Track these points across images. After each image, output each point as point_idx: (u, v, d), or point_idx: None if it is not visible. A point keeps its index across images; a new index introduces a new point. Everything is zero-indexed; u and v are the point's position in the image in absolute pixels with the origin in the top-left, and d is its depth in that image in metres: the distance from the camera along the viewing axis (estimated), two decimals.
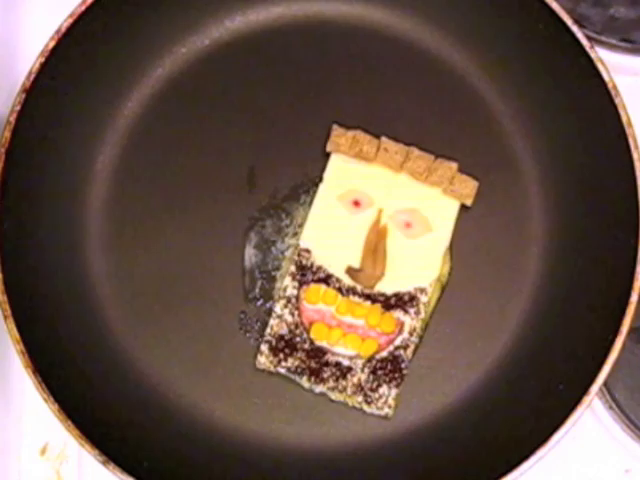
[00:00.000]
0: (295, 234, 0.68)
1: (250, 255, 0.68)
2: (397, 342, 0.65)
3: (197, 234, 0.68)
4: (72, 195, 0.68)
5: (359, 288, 0.66)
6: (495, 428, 0.64)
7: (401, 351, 0.65)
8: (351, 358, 0.65)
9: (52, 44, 0.63)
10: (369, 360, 0.65)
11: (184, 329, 0.67)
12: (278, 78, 0.70)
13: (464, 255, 0.68)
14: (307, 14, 0.71)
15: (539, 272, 0.67)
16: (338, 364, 0.65)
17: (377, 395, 0.65)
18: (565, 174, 0.67)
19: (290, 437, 0.66)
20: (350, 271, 0.66)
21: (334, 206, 0.67)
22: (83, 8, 0.64)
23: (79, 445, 0.60)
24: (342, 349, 0.65)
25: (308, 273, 0.66)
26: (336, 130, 0.68)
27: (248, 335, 0.67)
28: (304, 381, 0.65)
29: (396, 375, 0.65)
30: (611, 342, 0.60)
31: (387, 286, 0.66)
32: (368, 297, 0.66)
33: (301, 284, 0.66)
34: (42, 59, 0.63)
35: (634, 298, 0.61)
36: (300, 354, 0.65)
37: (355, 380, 0.65)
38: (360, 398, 0.65)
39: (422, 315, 0.66)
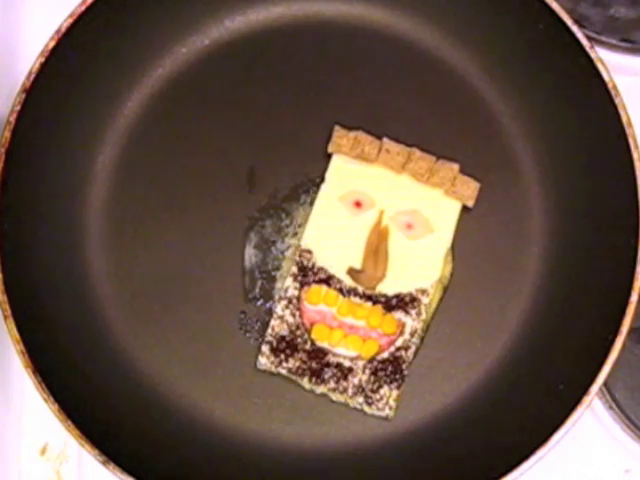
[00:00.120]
0: (295, 234, 0.68)
1: (250, 255, 0.68)
2: (398, 343, 0.65)
3: (197, 234, 0.68)
4: (72, 195, 0.68)
5: (360, 289, 0.66)
6: (495, 428, 0.64)
7: (402, 352, 0.65)
8: (352, 359, 0.65)
9: (52, 44, 0.63)
10: (370, 361, 0.65)
11: (184, 329, 0.67)
12: (278, 78, 0.70)
13: (464, 255, 0.68)
14: (307, 14, 0.71)
15: (539, 272, 0.67)
16: (339, 365, 0.65)
17: (378, 396, 0.65)
18: (565, 174, 0.67)
19: (290, 437, 0.66)
20: (351, 272, 0.66)
21: (335, 207, 0.67)
22: (83, 8, 0.64)
23: (79, 445, 0.60)
24: (343, 350, 0.65)
25: (309, 274, 0.66)
26: (338, 131, 0.68)
27: (248, 335, 0.67)
28: (305, 382, 0.65)
29: (397, 376, 0.65)
30: (611, 342, 0.60)
31: (388, 287, 0.66)
32: (369, 298, 0.66)
33: (302, 285, 0.66)
34: (42, 59, 0.63)
35: (634, 298, 0.61)
36: (301, 355, 0.65)
37: (356, 381, 0.65)
38: (361, 399, 0.65)
39: (423, 316, 0.66)
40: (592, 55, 0.63)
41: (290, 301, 0.66)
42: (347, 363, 0.65)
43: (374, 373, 0.65)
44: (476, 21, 0.68)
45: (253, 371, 0.66)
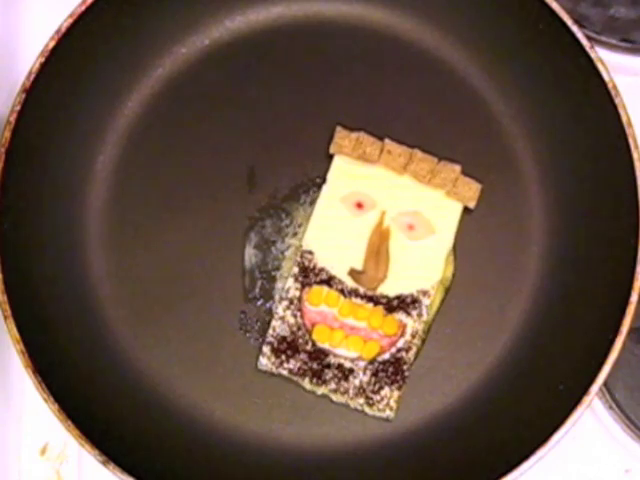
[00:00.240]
0: (295, 234, 0.68)
1: (250, 255, 0.68)
2: (399, 344, 0.65)
3: (197, 234, 0.68)
4: (72, 195, 0.68)
5: (361, 290, 0.66)
6: (495, 428, 0.64)
7: (403, 353, 0.65)
8: (353, 360, 0.65)
9: (52, 44, 0.63)
10: (371, 362, 0.65)
11: (184, 329, 0.67)
12: (278, 78, 0.70)
13: (463, 255, 0.68)
14: (307, 14, 0.71)
15: (539, 272, 0.67)
16: (340, 366, 0.65)
17: (379, 397, 0.65)
18: (565, 174, 0.67)
19: (290, 437, 0.66)
20: (353, 273, 0.66)
21: (337, 208, 0.67)
22: (83, 8, 0.64)
23: (79, 445, 0.60)
24: (344, 351, 0.65)
25: (311, 275, 0.66)
26: (339, 132, 0.68)
27: (248, 335, 0.67)
28: (306, 383, 0.65)
29: (398, 377, 0.65)
30: (611, 342, 0.60)
31: (390, 288, 0.66)
32: (370, 299, 0.66)
33: (303, 286, 0.66)
34: (42, 59, 0.63)
35: (634, 298, 0.61)
36: (302, 356, 0.65)
37: (357, 382, 0.65)
38: (362, 400, 0.65)
39: (424, 317, 0.66)
40: (592, 55, 0.63)
41: (291, 302, 0.66)
42: (348, 364, 0.65)
43: (375, 374, 0.65)
44: (476, 21, 0.68)
45: (253, 371, 0.66)
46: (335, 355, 0.65)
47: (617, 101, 0.63)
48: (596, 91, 0.63)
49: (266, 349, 0.65)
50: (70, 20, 0.64)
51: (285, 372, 0.65)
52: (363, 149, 0.67)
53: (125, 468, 0.59)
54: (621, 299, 0.61)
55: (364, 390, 0.65)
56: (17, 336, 0.60)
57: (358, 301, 0.66)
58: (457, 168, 0.67)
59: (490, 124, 0.69)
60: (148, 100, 0.70)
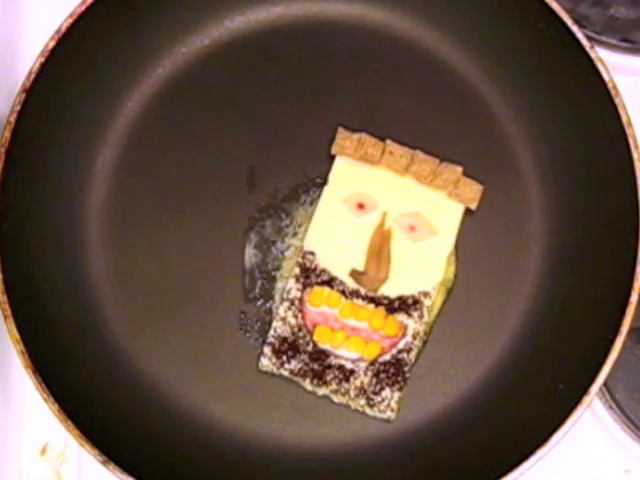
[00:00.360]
0: (295, 234, 0.68)
1: (250, 255, 0.68)
2: (400, 345, 0.65)
3: (197, 234, 0.68)
4: (72, 195, 0.68)
5: (363, 291, 0.66)
6: (495, 428, 0.64)
7: (404, 354, 0.65)
8: (354, 361, 0.65)
9: (52, 44, 0.63)
10: (372, 363, 0.65)
11: (184, 329, 0.67)
12: (278, 78, 0.70)
13: (463, 255, 0.68)
14: (307, 14, 0.71)
15: (539, 272, 0.67)
16: (341, 367, 0.65)
17: (380, 398, 0.65)
18: (565, 174, 0.67)
19: (290, 437, 0.66)
20: (354, 274, 0.66)
21: (339, 209, 0.67)
22: (83, 8, 0.64)
23: (79, 445, 0.60)
24: (345, 352, 0.65)
25: (312, 275, 0.66)
26: (341, 133, 0.68)
27: (248, 335, 0.67)
28: (307, 384, 0.65)
29: (399, 378, 0.65)
30: (611, 342, 0.60)
31: (391, 289, 0.66)
32: (372, 300, 0.66)
33: (305, 286, 0.66)
34: (42, 59, 0.63)
35: (634, 298, 0.61)
36: (303, 356, 0.65)
37: (358, 383, 0.65)
38: (363, 401, 0.65)
39: (426, 318, 0.66)
40: (592, 55, 0.63)
41: (292, 303, 0.66)
42: (349, 365, 0.65)
43: (376, 375, 0.65)
44: (476, 21, 0.68)
45: (253, 371, 0.66)
46: (336, 356, 0.65)
47: (617, 101, 0.63)
48: (596, 91, 0.63)
49: (267, 350, 0.65)
50: (70, 20, 0.64)
51: (286, 373, 0.65)
52: (365, 150, 0.67)
53: (125, 468, 0.59)
54: (621, 299, 0.61)
55: (365, 391, 0.65)
56: (17, 336, 0.60)
57: (359, 302, 0.66)
58: (459, 169, 0.67)
59: (490, 124, 0.69)
60: (148, 100, 0.70)
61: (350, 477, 0.65)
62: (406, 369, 0.65)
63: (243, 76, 0.70)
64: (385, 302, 0.66)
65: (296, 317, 0.66)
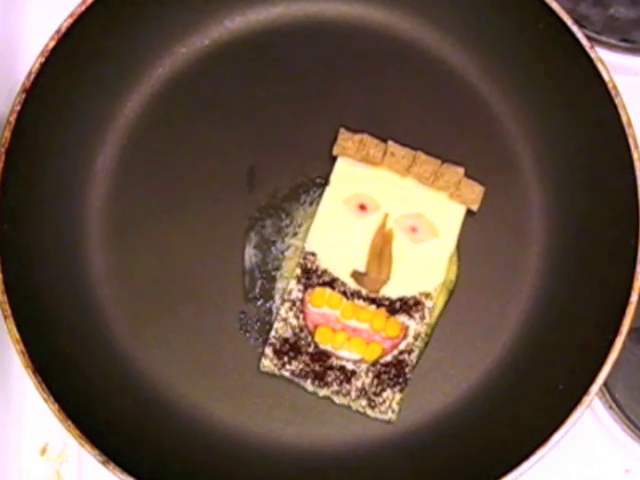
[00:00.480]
0: (295, 234, 0.68)
1: (250, 255, 0.68)
2: (402, 347, 0.65)
3: (197, 234, 0.68)
4: (72, 195, 0.68)
5: (364, 292, 0.66)
6: (495, 428, 0.64)
7: (405, 356, 0.65)
8: (355, 362, 0.65)
9: (52, 44, 0.63)
10: (373, 364, 0.65)
11: (184, 329, 0.67)
12: (277, 78, 0.70)
13: (463, 255, 0.68)
14: (307, 14, 0.71)
15: (539, 272, 0.67)
16: (342, 368, 0.65)
17: (381, 399, 0.65)
18: (565, 174, 0.67)
19: (290, 437, 0.66)
20: (355, 275, 0.66)
21: (340, 210, 0.67)
22: (83, 8, 0.64)
23: (79, 445, 0.60)
24: (346, 353, 0.65)
25: (313, 276, 0.66)
26: (343, 133, 0.68)
27: (248, 335, 0.67)
28: (308, 384, 0.65)
29: (400, 379, 0.65)
30: (611, 342, 0.60)
31: (392, 290, 0.66)
32: (373, 301, 0.66)
33: (306, 287, 0.66)
34: (42, 59, 0.63)
35: (634, 298, 0.61)
36: (304, 357, 0.65)
37: (359, 384, 0.65)
38: (364, 402, 0.65)
39: (427, 320, 0.65)
40: (592, 55, 0.63)
41: (294, 303, 0.66)
42: (350, 366, 0.65)
43: (377, 376, 0.65)
44: (476, 21, 0.68)
45: (253, 371, 0.66)
46: (337, 357, 0.65)
47: (617, 101, 0.63)
48: (596, 91, 0.63)
49: (268, 351, 0.65)
50: (70, 20, 0.64)
51: (287, 374, 0.65)
52: (366, 151, 0.67)
53: (125, 468, 0.59)
54: (621, 299, 0.61)
55: (366, 392, 0.65)
56: (17, 336, 0.60)
57: (361, 303, 0.66)
58: (460, 170, 0.67)
59: (490, 124, 0.69)
60: (148, 100, 0.70)
61: (350, 477, 0.65)
62: (407, 370, 0.65)
63: (243, 76, 0.70)
64: (386, 303, 0.66)
65: (297, 318, 0.66)
